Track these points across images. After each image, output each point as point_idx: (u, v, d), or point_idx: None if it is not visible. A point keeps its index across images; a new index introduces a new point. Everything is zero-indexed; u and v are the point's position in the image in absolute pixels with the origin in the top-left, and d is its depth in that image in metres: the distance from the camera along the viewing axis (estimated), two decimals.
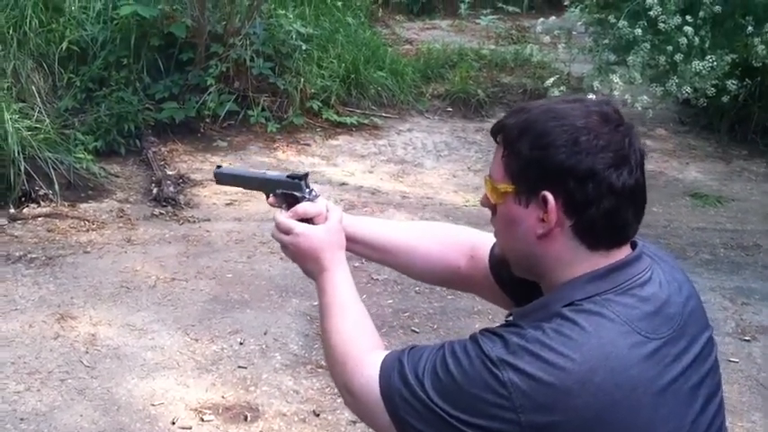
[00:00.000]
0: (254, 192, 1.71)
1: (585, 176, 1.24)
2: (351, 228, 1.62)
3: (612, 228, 1.28)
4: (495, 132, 1.36)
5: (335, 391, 3.56)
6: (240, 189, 1.84)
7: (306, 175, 1.59)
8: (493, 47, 8.55)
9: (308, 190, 1.58)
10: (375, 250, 1.68)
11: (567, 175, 1.24)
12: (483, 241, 1.59)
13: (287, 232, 1.54)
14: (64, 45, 6.07)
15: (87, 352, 3.78)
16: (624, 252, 1.32)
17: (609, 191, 1.24)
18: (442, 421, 1.24)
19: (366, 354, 1.40)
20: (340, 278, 1.51)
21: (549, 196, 1.26)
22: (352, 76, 6.98)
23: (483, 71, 7.90)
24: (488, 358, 1.22)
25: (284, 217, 1.56)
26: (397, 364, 1.32)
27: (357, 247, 1.65)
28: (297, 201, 1.57)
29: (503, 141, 1.33)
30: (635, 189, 1.27)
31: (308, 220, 1.55)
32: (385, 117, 6.99)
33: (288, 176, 1.60)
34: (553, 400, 1.18)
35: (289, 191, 1.59)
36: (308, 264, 1.54)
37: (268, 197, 1.63)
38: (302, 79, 6.63)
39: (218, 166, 1.75)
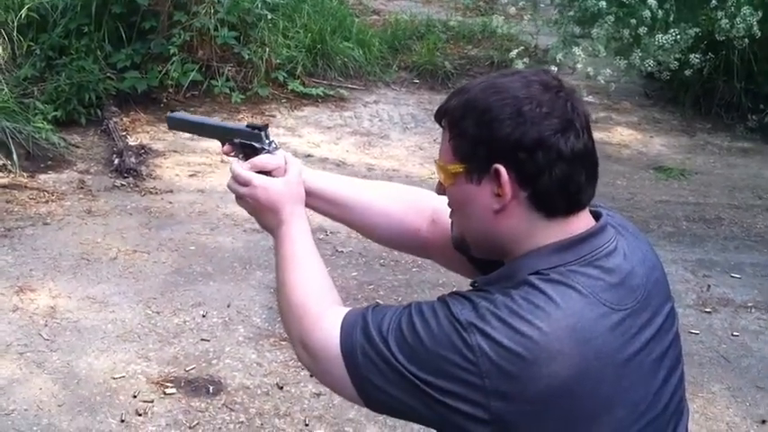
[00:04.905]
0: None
1: (534, 146, 1.24)
2: (310, 182, 1.58)
3: (567, 193, 1.27)
4: (439, 117, 1.35)
5: (299, 364, 3.55)
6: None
7: (266, 126, 1.56)
8: (461, 18, 8.51)
9: (267, 141, 1.54)
10: (334, 206, 1.63)
11: (516, 147, 1.24)
12: (445, 206, 1.57)
13: (245, 184, 1.50)
14: (23, 12, 5.92)
15: (47, 325, 3.73)
16: (584, 219, 1.31)
17: (558, 157, 1.24)
18: (405, 380, 1.23)
19: (326, 309, 1.37)
20: (298, 231, 1.48)
21: (502, 169, 1.25)
22: (319, 46, 6.90)
23: (450, 43, 7.86)
24: (457, 320, 1.21)
25: (242, 168, 1.52)
26: (361, 320, 1.30)
27: (316, 202, 1.61)
28: (256, 152, 1.54)
29: (447, 124, 1.32)
30: (584, 152, 1.27)
31: (266, 172, 1.52)
32: (351, 88, 6.93)
33: (248, 126, 1.57)
34: (519, 369, 1.18)
35: (248, 141, 1.55)
36: (266, 216, 1.51)
37: (224, 145, 1.59)
38: (267, 49, 6.54)
39: (172, 110, 1.70)
